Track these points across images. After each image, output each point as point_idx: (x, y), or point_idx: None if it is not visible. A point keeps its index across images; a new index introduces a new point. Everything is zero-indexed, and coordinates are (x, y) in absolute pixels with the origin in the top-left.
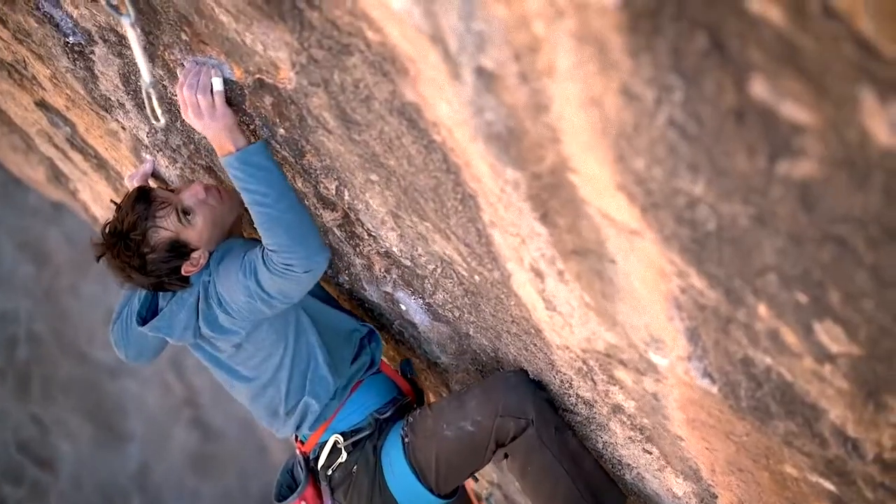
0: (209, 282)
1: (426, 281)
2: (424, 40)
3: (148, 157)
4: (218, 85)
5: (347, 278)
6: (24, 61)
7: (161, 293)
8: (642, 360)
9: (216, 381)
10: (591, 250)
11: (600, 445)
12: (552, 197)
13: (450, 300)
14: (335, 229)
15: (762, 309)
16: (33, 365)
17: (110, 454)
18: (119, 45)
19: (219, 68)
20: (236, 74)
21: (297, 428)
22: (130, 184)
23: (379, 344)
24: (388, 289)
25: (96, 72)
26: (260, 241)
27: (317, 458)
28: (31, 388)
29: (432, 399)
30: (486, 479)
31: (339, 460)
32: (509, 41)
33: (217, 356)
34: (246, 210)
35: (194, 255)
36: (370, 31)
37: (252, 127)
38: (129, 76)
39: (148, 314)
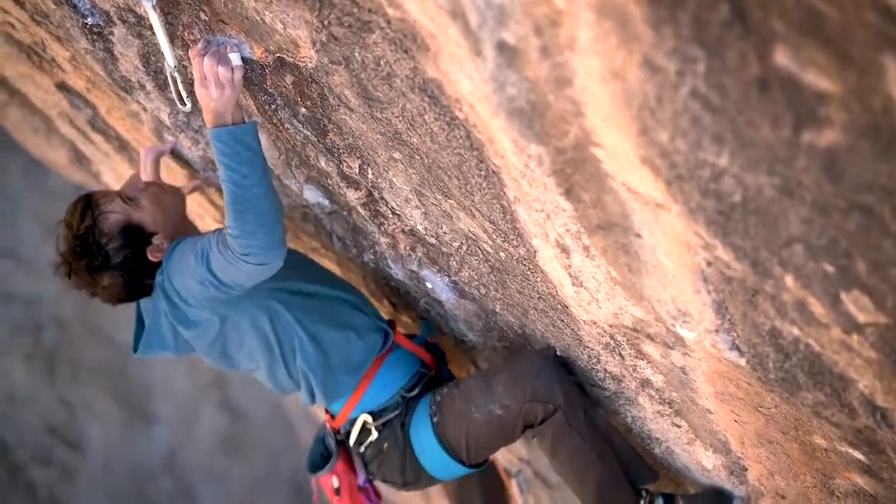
0: (163, 280)
1: (451, 258)
2: (444, 15)
3: (170, 138)
4: (236, 59)
5: (372, 257)
6: (43, 43)
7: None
8: (670, 333)
9: None
10: (617, 224)
11: (629, 420)
12: (576, 172)
13: (476, 277)
14: (359, 208)
15: (789, 280)
16: (60, 348)
17: (138, 436)
18: (138, 25)
19: (238, 47)
20: (256, 53)
21: (313, 399)
22: (144, 157)
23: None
24: (414, 267)
25: (116, 53)
26: (210, 232)
27: (348, 434)
28: (58, 371)
29: (454, 366)
30: (516, 456)
31: (371, 439)
32: (530, 15)
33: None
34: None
35: (154, 239)
36: (390, 7)
37: (274, 107)
38: (148, 57)
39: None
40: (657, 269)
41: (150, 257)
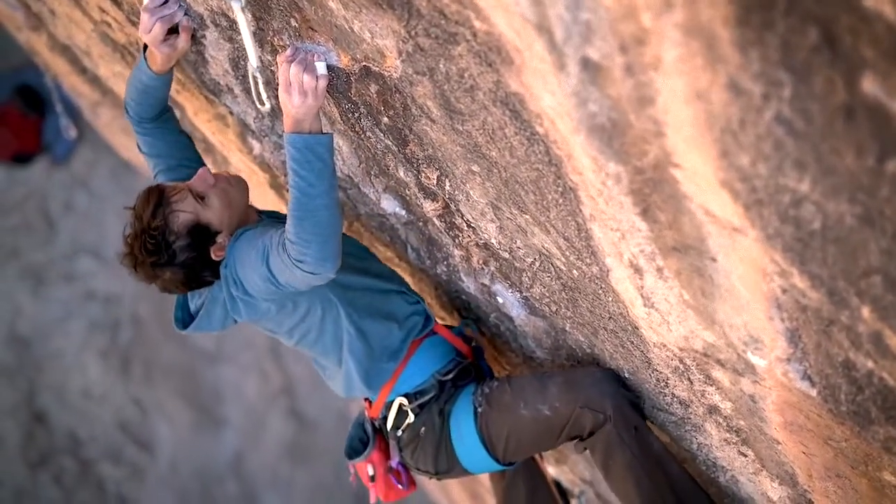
0: (227, 273)
1: (524, 274)
2: (531, 30)
3: (255, 143)
4: (322, 69)
5: (445, 269)
6: (137, 43)
7: (189, 294)
8: (740, 360)
9: (314, 371)
10: (692, 247)
11: (695, 447)
12: (654, 192)
13: (547, 294)
14: (435, 219)
15: (866, 311)
16: (136, 347)
17: (207, 439)
18: (230, 29)
19: (325, 55)
20: (343, 62)
21: (350, 390)
22: (146, 18)
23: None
24: (486, 281)
25: (207, 56)
26: (279, 228)
27: (385, 419)
28: (132, 371)
29: (495, 362)
30: (579, 477)
31: (408, 421)
32: (616, 32)
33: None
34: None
35: (219, 238)
36: (477, 20)
37: (357, 115)
38: (238, 61)
39: (185, 316)
40: (731, 294)
41: (213, 256)
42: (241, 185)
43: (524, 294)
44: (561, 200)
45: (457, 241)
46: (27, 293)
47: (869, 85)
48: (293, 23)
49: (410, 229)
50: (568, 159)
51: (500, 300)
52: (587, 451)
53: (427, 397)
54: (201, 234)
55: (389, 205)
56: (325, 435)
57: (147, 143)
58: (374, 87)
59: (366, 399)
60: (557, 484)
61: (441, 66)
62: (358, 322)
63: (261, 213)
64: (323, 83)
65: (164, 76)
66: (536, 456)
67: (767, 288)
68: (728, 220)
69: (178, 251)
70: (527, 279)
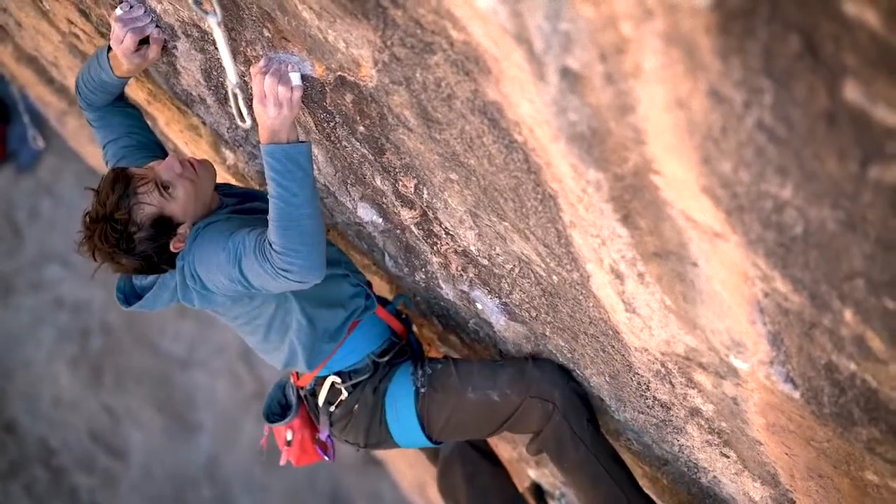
0: (184, 266)
1: (503, 280)
2: (509, 40)
3: (229, 153)
4: (296, 80)
5: (423, 276)
6: None
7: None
8: (723, 363)
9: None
10: (673, 252)
11: (676, 448)
12: (634, 198)
13: (527, 300)
14: (413, 227)
15: (848, 314)
16: (106, 355)
17: (181, 445)
18: (202, 40)
19: (299, 65)
20: (317, 71)
21: (288, 365)
22: (118, 29)
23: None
24: (465, 287)
25: (178, 67)
26: (246, 224)
27: (313, 393)
28: (103, 378)
29: (424, 340)
30: (559, 479)
31: (340, 398)
32: (596, 41)
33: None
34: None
35: (180, 229)
36: (454, 29)
37: (332, 124)
38: (210, 71)
39: (129, 289)
40: (712, 299)
41: (172, 248)
42: (208, 172)
43: (503, 300)
44: (540, 207)
45: (435, 248)
46: None
47: (851, 91)
48: (266, 33)
49: (388, 237)
50: (547, 167)
51: (479, 306)
52: (544, 454)
53: (361, 378)
54: (163, 226)
55: (366, 213)
56: None
57: (97, 118)
58: (349, 97)
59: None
60: (538, 486)
61: (418, 75)
62: (309, 311)
63: (220, 192)
64: (298, 94)
65: (125, 77)
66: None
67: (749, 292)
68: (709, 226)
69: (139, 242)
70: (506, 285)
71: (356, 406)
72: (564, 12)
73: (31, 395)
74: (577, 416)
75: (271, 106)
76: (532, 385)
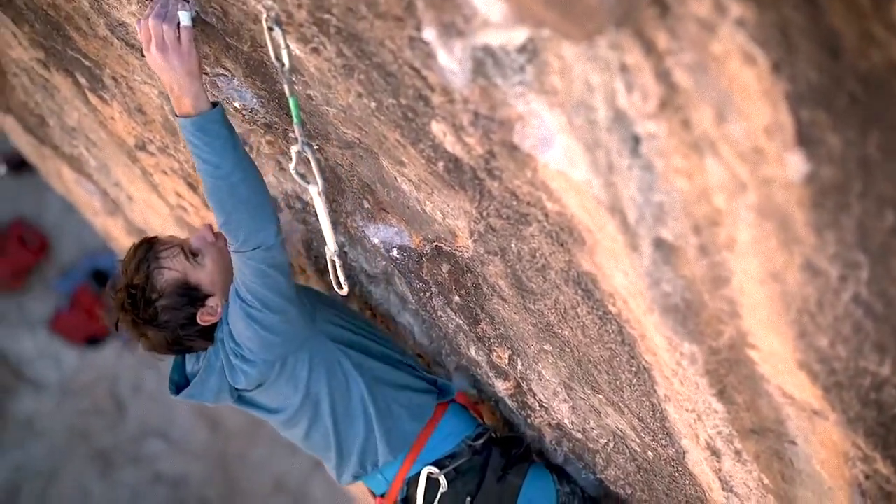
0: (223, 337)
1: (598, 455)
2: (603, 210)
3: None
4: (185, 19)
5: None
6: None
7: (187, 356)
8: None
9: None
10: (771, 430)
11: None
12: (730, 372)
13: (622, 476)
14: (507, 399)
15: None
16: None
17: None
18: (303, 211)
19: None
20: (414, 242)
21: (362, 469)
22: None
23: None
24: (559, 461)
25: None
26: None
27: (406, 500)
28: None
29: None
30: None
31: (441, 490)
32: (690, 213)
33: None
34: None
35: (210, 301)
36: (549, 201)
37: (428, 294)
38: (310, 242)
39: (181, 379)
40: (812, 479)
41: (200, 320)
42: None
43: (598, 476)
44: (635, 380)
45: (528, 421)
46: (96, 477)
47: None
48: (366, 205)
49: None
50: (641, 339)
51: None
52: None
53: (460, 461)
54: (188, 295)
55: (459, 384)
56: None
57: None
58: (445, 267)
59: (372, 493)
60: None
61: (513, 245)
62: (371, 385)
63: None
64: (186, 35)
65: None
66: None
67: (850, 473)
68: (807, 403)
69: (161, 311)
70: (601, 460)
71: (470, 499)
72: (658, 184)
73: None
74: None
75: (158, 51)
76: None
